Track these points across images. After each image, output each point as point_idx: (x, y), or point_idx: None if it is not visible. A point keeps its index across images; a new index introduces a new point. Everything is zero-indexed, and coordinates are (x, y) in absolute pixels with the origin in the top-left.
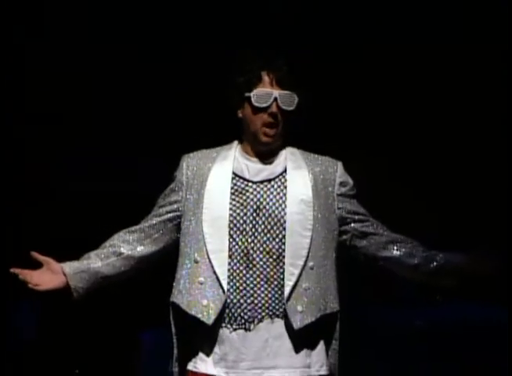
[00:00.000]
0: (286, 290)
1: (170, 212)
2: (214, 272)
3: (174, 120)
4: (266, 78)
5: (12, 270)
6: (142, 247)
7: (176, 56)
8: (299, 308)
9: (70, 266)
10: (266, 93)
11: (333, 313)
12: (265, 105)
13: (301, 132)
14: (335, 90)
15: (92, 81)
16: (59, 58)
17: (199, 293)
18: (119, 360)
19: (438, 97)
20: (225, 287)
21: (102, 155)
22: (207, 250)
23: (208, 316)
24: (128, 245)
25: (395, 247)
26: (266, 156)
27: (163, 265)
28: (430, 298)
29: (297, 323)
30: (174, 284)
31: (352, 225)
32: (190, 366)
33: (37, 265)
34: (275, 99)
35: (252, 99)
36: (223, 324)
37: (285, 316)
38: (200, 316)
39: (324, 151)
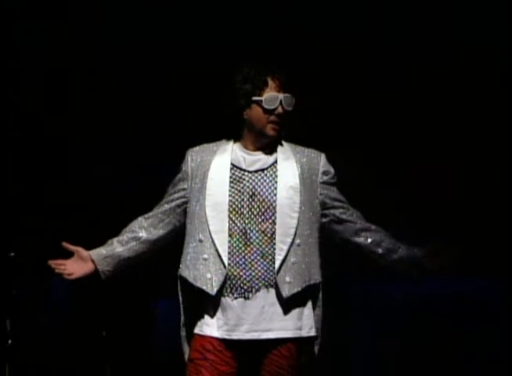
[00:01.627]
0: (277, 263)
1: (178, 199)
2: (216, 250)
3: (176, 120)
4: (272, 84)
5: (49, 263)
6: (156, 231)
7: (177, 56)
8: (287, 279)
9: (96, 253)
10: (274, 97)
11: (317, 284)
12: (273, 107)
13: (298, 131)
14: (331, 90)
15: (93, 82)
16: (59, 58)
17: (203, 268)
18: (140, 324)
19: (436, 97)
20: (226, 262)
21: (103, 155)
22: (209, 230)
23: (212, 288)
24: (145, 230)
25: (365, 235)
26: (264, 148)
27: (174, 244)
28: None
29: (286, 291)
30: (181, 260)
31: (332, 210)
32: (197, 330)
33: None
34: (281, 101)
35: (263, 103)
36: (225, 294)
37: (277, 286)
38: (204, 287)
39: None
